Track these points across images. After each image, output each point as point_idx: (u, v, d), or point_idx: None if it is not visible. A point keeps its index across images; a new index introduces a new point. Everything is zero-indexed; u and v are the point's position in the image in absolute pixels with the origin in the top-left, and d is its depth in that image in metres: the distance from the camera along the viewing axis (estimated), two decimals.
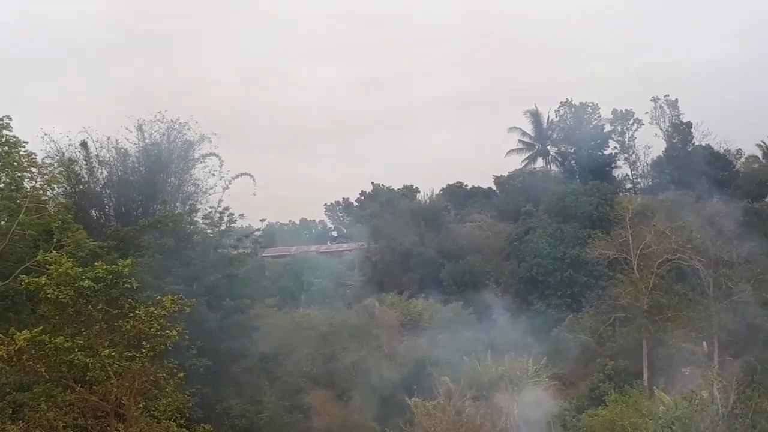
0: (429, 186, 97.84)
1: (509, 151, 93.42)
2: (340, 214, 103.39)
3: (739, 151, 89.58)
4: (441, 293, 64.28)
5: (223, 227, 38.36)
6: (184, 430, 24.37)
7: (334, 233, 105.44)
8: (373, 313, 56.24)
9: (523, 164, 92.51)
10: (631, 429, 37.30)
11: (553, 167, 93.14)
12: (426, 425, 39.88)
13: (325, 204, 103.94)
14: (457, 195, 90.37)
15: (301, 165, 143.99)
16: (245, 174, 42.44)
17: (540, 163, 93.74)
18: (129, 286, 23.01)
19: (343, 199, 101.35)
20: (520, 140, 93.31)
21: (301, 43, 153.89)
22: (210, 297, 35.07)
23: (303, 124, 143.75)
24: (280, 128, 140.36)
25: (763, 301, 55.45)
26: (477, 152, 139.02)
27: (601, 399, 46.39)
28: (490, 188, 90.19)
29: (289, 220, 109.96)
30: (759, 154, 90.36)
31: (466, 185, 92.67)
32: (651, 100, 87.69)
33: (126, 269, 22.96)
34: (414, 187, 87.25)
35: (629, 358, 55.61)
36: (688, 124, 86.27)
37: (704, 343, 57.91)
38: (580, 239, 66.49)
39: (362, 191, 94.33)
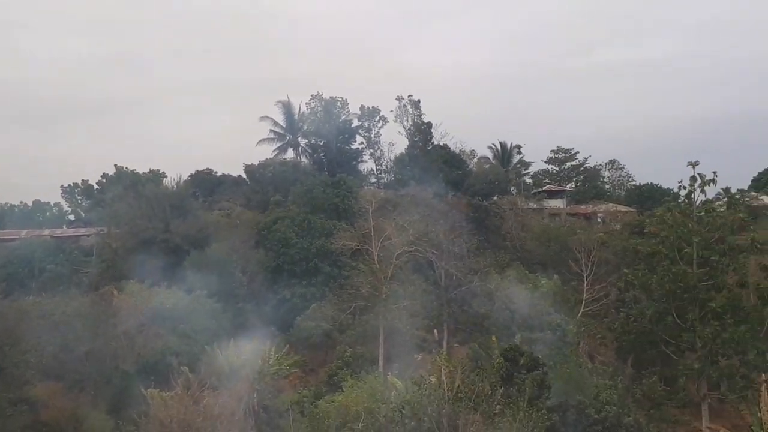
0: (177, 171, 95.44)
1: (260, 141, 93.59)
2: (79, 197, 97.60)
3: (473, 152, 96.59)
4: (185, 282, 62.91)
5: None
6: None
7: (71, 217, 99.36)
8: (110, 302, 53.79)
9: (274, 154, 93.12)
10: (364, 413, 38.90)
11: (303, 159, 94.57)
12: (162, 416, 38.98)
13: (62, 186, 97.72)
14: (206, 182, 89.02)
15: (36, 144, 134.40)
16: None
17: (291, 153, 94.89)
18: None
19: (83, 181, 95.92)
20: (271, 130, 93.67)
21: (45, 14, 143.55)
22: None
23: (42, 99, 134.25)
24: (13, 103, 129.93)
25: (488, 292, 60.18)
26: (228, 140, 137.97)
27: (339, 385, 47.88)
28: (240, 176, 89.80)
29: (21, 202, 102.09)
30: (490, 155, 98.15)
31: (216, 172, 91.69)
32: (396, 99, 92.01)
33: None
34: (160, 172, 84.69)
35: (367, 345, 57.98)
36: (429, 124, 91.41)
37: (435, 330, 61.93)
38: (326, 230, 68.15)
39: (104, 174, 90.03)
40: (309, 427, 41.13)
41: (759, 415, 39.25)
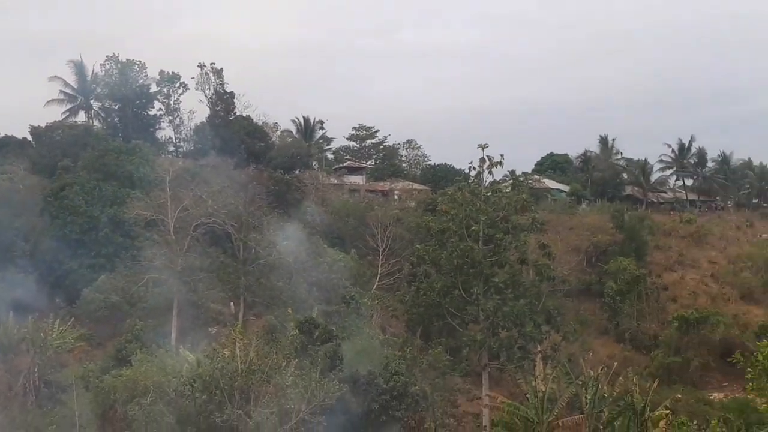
0: None
1: (49, 102, 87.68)
2: None
3: (276, 125, 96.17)
4: None
5: None
6: None
7: None
8: None
9: (64, 117, 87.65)
10: (153, 387, 38.05)
11: (96, 123, 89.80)
12: None
13: None
14: None
15: None
16: None
17: (82, 117, 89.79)
18: None
19: None
20: (61, 91, 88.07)
21: None
22: None
23: None
24: None
25: (286, 265, 60.22)
26: (12, 98, 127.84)
27: (128, 359, 46.31)
28: (25, 139, 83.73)
29: None
30: (293, 129, 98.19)
31: None
32: (198, 66, 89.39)
33: None
34: None
35: (159, 318, 56.45)
36: (231, 94, 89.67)
37: (232, 303, 61.42)
38: (119, 199, 65.23)
39: None
40: (93, 402, 39.67)
41: (534, 383, 42.54)
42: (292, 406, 36.52)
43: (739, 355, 15.82)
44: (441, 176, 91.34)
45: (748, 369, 15.68)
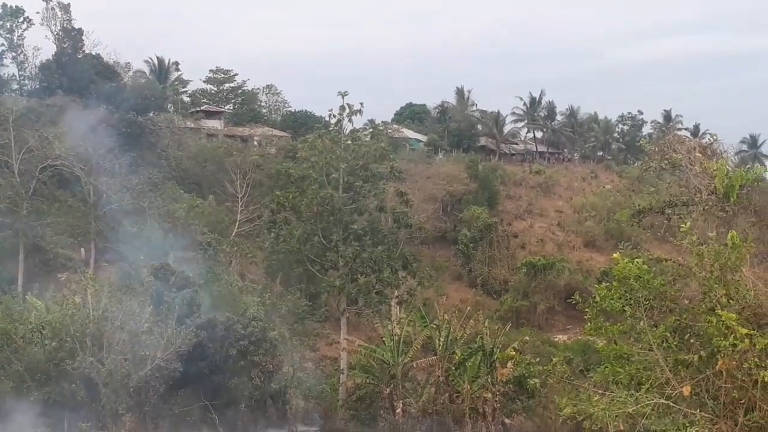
0: None
1: None
2: None
3: (128, 65, 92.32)
4: None
5: None
6: None
7: None
8: None
9: None
10: None
11: None
12: None
13: None
14: None
15: None
16: None
17: None
18: None
19: None
20: None
21: None
22: None
23: None
24: None
25: (140, 210, 58.58)
26: None
27: None
28: None
29: None
30: (147, 70, 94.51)
31: None
32: (42, 0, 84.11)
33: None
34: None
35: (4, 264, 54.07)
36: (80, 31, 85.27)
37: (82, 249, 59.24)
38: None
39: None
40: None
41: (390, 327, 43.75)
42: (148, 353, 35.97)
43: (578, 296, 16.97)
44: (301, 123, 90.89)
45: (586, 310, 16.88)
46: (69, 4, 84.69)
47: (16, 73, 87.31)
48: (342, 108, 53.31)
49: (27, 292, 46.79)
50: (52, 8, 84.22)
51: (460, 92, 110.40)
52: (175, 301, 40.55)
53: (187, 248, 56.92)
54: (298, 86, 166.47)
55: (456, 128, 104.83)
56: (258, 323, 42.14)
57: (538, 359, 43.69)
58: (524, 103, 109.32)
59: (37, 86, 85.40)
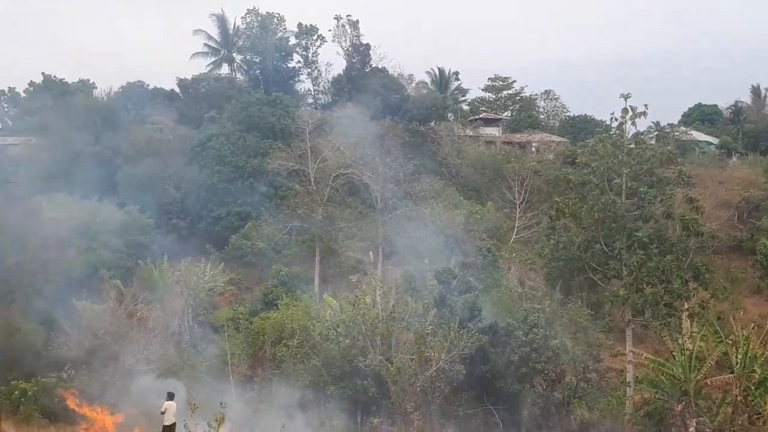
0: (107, 82, 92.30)
1: (194, 54, 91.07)
2: (5, 105, 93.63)
3: (411, 77, 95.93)
4: (117, 196, 61.73)
5: None
6: None
7: None
8: (39, 214, 52.46)
9: (208, 69, 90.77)
10: (299, 330, 39.42)
11: (239, 75, 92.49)
12: (95, 328, 38.82)
13: None
14: (138, 95, 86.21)
15: None
16: None
17: (226, 69, 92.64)
18: None
19: (9, 89, 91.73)
20: (205, 44, 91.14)
21: None
22: None
23: None
24: None
25: (422, 216, 60.69)
26: (160, 52, 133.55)
27: (274, 303, 48.12)
28: (173, 91, 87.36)
29: None
30: (428, 81, 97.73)
31: (148, 85, 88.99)
32: (334, 18, 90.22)
33: None
34: (90, 82, 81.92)
35: (303, 265, 58.24)
36: (367, 46, 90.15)
37: (371, 253, 62.43)
38: (261, 149, 67.35)
39: (31, 81, 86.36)
40: (244, 343, 41.49)
41: (681, 341, 41.12)
42: (432, 354, 36.96)
43: None
44: (580, 128, 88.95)
45: None
46: (357, 21, 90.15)
47: (311, 88, 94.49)
48: (624, 111, 51.21)
49: (323, 292, 50.16)
50: (343, 25, 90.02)
51: (756, 91, 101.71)
52: (457, 305, 41.41)
53: (467, 253, 57.89)
54: (578, 92, 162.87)
55: (752, 129, 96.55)
56: (539, 330, 41.71)
57: None
58: None
59: (330, 99, 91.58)
